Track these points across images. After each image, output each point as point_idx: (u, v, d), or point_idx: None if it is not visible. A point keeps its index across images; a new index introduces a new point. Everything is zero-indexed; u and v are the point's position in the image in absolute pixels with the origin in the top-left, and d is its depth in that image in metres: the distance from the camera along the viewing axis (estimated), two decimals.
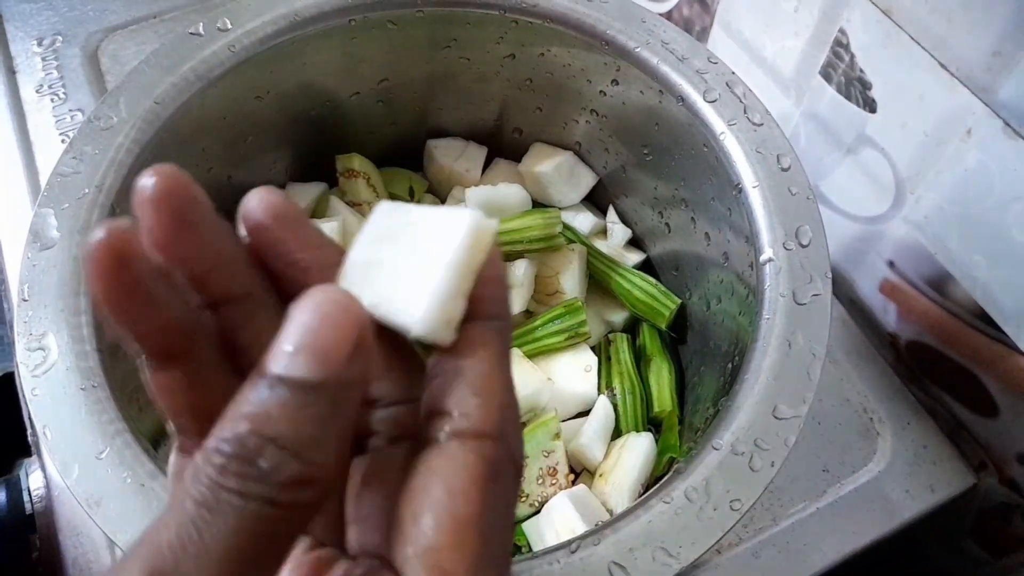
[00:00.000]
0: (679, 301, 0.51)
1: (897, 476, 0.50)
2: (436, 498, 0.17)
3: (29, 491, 0.46)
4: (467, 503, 0.17)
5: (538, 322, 0.50)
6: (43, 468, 0.48)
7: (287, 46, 0.46)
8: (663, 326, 0.51)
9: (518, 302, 0.51)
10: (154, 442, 0.35)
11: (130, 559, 0.15)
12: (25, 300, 0.35)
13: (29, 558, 0.45)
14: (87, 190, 0.38)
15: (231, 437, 0.16)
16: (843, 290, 0.57)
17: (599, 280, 0.53)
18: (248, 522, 0.15)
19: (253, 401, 0.16)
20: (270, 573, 0.16)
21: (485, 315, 0.19)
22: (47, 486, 0.47)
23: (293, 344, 0.16)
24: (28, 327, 0.34)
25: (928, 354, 0.51)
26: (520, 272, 0.50)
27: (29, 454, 0.50)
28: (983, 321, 0.46)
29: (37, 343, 0.34)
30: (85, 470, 0.32)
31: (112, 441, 0.32)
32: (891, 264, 0.51)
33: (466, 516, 0.17)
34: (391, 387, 0.21)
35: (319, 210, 0.55)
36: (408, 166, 0.59)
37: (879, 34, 0.45)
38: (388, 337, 0.19)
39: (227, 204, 0.60)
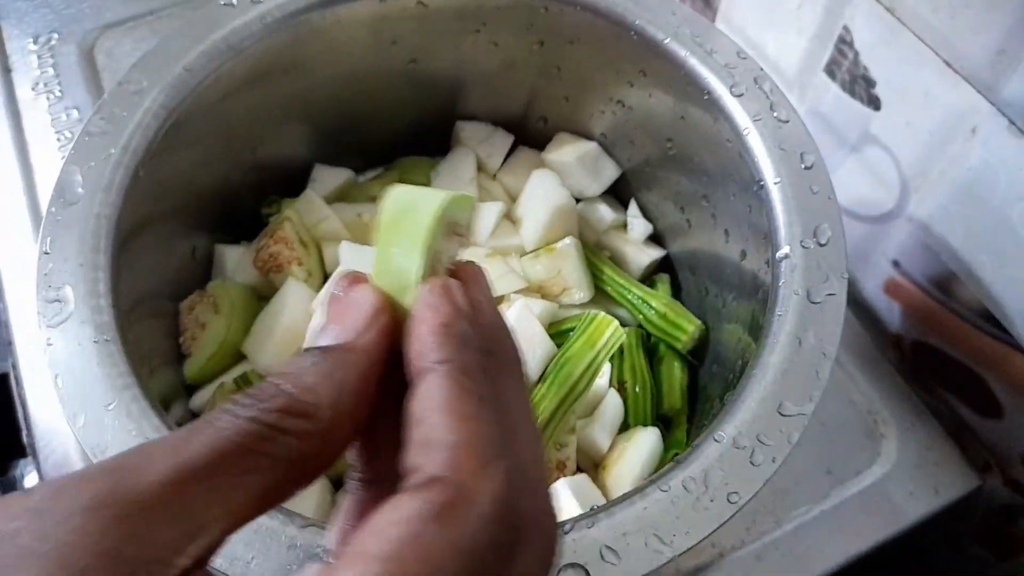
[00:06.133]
0: (698, 324, 0.49)
1: (901, 478, 0.49)
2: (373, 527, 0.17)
3: None
4: (383, 541, 0.17)
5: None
6: (38, 469, 0.47)
7: (317, 21, 0.46)
8: (683, 349, 0.50)
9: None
10: (165, 403, 0.35)
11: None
12: (47, 253, 0.36)
13: None
14: (113, 151, 0.39)
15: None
16: (847, 290, 0.56)
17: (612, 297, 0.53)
18: (231, 433, 0.18)
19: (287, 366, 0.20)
20: (246, 484, 0.18)
21: (422, 370, 0.20)
22: None
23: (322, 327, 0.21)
24: (48, 279, 0.35)
25: (933, 355, 0.51)
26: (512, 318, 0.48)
27: (24, 455, 0.49)
28: (988, 321, 0.46)
29: (55, 294, 0.35)
30: (92, 419, 0.32)
31: (121, 394, 0.33)
32: (896, 264, 0.51)
33: (379, 552, 0.16)
34: None
35: (345, 195, 0.56)
36: (431, 150, 0.59)
37: (883, 31, 0.45)
38: None
39: (248, 177, 0.59)
